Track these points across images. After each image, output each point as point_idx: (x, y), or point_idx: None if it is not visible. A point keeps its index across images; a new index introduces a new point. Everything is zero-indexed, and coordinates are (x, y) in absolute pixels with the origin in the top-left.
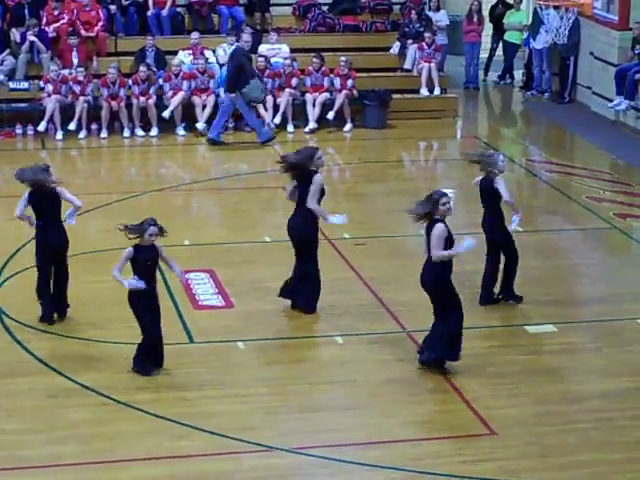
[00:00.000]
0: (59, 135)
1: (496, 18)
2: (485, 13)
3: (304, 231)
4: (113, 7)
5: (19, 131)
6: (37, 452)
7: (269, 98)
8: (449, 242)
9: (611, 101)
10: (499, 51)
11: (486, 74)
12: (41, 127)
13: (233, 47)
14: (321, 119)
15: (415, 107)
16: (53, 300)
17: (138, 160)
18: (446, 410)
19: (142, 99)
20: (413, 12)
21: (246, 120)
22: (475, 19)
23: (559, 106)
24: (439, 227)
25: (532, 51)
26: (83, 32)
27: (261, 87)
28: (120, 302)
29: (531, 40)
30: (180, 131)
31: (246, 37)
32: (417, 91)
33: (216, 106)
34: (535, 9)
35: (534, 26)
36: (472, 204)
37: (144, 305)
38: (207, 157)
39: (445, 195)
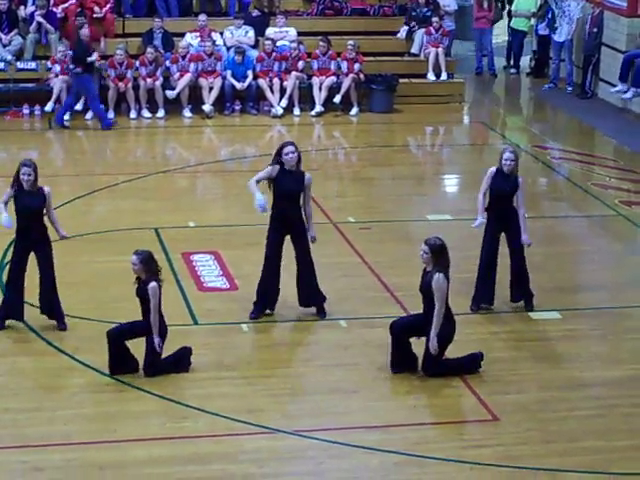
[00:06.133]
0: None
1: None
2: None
3: None
4: None
5: (26, 111)
6: (42, 431)
7: (276, 81)
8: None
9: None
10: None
11: (508, 62)
12: (48, 107)
13: None
14: (328, 103)
15: (422, 92)
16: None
17: (144, 141)
18: (448, 395)
19: (149, 80)
20: None
21: None
22: (485, 5)
23: (566, 93)
24: None
25: (540, 39)
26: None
27: None
28: (124, 282)
29: (540, 28)
30: (186, 113)
31: None
32: (424, 76)
33: (223, 88)
34: None
35: (544, 14)
36: (477, 190)
37: None
38: (213, 139)
39: (426, 243)
